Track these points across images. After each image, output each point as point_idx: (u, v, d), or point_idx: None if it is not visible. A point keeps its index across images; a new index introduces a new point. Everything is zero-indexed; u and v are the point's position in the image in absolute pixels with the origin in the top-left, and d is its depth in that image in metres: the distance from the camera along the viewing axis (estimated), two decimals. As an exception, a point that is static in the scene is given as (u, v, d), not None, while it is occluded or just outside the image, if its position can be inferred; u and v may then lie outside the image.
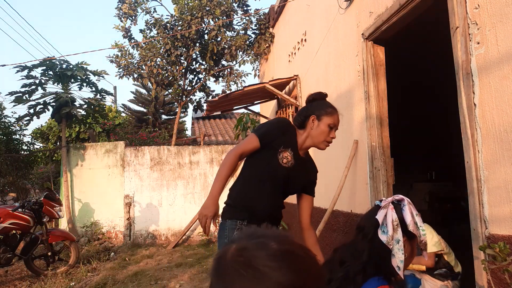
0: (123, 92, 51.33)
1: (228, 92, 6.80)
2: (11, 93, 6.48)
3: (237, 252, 0.58)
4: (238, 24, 7.96)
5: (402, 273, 1.21)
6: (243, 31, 7.82)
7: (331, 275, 1.26)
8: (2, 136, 8.08)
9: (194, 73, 8.51)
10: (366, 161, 3.32)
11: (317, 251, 1.94)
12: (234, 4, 7.76)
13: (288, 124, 1.96)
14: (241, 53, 7.94)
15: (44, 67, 6.57)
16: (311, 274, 0.58)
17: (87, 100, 7.32)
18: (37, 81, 6.62)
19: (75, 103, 7.06)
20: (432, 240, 2.71)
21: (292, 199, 2.10)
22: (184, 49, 7.70)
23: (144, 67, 7.75)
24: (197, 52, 7.93)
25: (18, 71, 6.34)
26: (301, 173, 1.96)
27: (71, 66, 6.72)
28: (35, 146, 9.89)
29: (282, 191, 1.97)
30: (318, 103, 1.96)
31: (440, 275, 2.74)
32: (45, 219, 4.81)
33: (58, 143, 9.48)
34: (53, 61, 6.64)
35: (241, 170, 2.00)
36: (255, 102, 7.27)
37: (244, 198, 1.91)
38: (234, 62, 8.29)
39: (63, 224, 7.19)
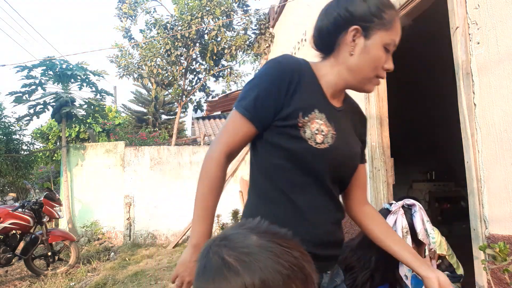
0: (123, 92, 51.33)
1: (228, 92, 6.80)
2: (11, 93, 6.48)
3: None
4: (238, 24, 7.97)
5: (409, 282, 1.18)
6: (243, 31, 7.83)
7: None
8: (2, 136, 8.08)
9: (194, 73, 8.51)
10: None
11: (399, 241, 1.09)
12: (234, 4, 7.76)
13: (294, 67, 1.01)
14: (241, 53, 7.94)
15: (44, 67, 6.57)
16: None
17: (87, 100, 7.32)
18: (37, 81, 6.62)
19: (75, 103, 7.07)
20: (436, 242, 2.70)
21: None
22: (184, 49, 7.70)
23: (144, 67, 7.76)
24: (197, 52, 7.93)
25: (18, 71, 6.34)
26: (350, 136, 1.09)
27: (71, 66, 6.72)
28: (35, 146, 9.90)
29: (334, 191, 1.07)
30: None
31: None
32: (45, 219, 4.81)
33: (58, 143, 9.48)
34: (53, 61, 6.64)
35: (250, 180, 1.11)
36: (255, 102, 7.26)
37: None
38: (234, 62, 8.30)
39: (63, 224, 7.19)
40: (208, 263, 0.56)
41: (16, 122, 8.18)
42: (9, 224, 4.48)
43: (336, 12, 0.98)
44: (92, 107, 7.32)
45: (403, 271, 1.18)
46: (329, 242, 1.02)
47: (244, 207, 1.13)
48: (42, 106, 6.85)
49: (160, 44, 7.72)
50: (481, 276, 1.96)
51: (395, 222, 1.23)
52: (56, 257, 5.02)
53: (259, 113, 0.98)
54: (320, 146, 0.97)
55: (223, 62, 8.34)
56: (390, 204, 1.27)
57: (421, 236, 1.21)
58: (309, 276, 0.56)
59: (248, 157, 7.97)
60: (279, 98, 0.97)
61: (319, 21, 1.04)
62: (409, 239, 1.20)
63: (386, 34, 0.98)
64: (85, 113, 7.47)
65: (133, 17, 7.76)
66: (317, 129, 0.97)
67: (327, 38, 1.02)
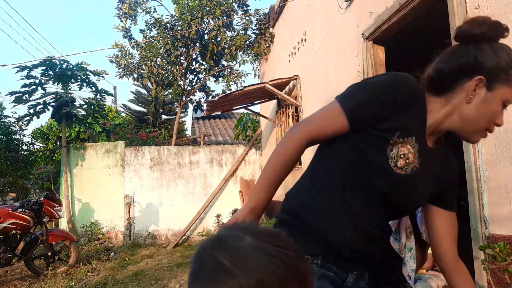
0: (123, 92, 51.37)
1: (228, 92, 6.80)
2: (11, 93, 6.49)
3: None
4: (238, 24, 7.96)
5: (412, 282, 1.17)
6: (243, 31, 7.82)
7: None
8: (2, 136, 8.09)
9: (194, 73, 8.51)
10: (366, 161, 3.31)
11: None
12: (234, 4, 7.76)
13: (414, 89, 1.01)
14: (241, 53, 7.94)
15: (44, 67, 6.58)
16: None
17: (87, 100, 7.33)
18: (37, 81, 6.63)
19: (75, 103, 7.08)
20: None
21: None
22: (184, 49, 7.70)
23: (144, 67, 7.75)
24: (197, 52, 7.94)
25: (18, 71, 6.35)
26: (426, 177, 1.05)
27: (71, 66, 6.73)
28: (35, 146, 9.91)
29: (387, 212, 1.06)
30: (495, 49, 0.94)
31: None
32: (45, 219, 4.81)
33: (58, 143, 9.49)
34: (53, 61, 6.64)
35: (311, 164, 1.12)
36: (255, 102, 7.27)
37: (315, 215, 1.03)
38: (234, 62, 8.30)
39: (63, 224, 7.19)
40: (203, 266, 0.55)
41: (16, 122, 8.19)
42: (9, 224, 4.48)
43: (465, 58, 0.96)
44: (92, 107, 7.33)
45: (406, 271, 1.18)
46: (357, 249, 1.03)
47: (292, 189, 1.13)
48: (42, 106, 6.86)
49: (160, 44, 7.72)
50: (481, 276, 1.96)
51: (399, 222, 1.22)
52: (56, 257, 5.02)
53: (361, 117, 0.98)
54: (397, 170, 0.97)
55: (223, 62, 8.34)
56: None
57: (424, 236, 1.21)
58: (305, 276, 0.56)
59: (248, 158, 7.98)
60: (386, 110, 0.97)
61: (441, 63, 1.02)
62: (413, 240, 1.20)
63: (508, 91, 0.95)
64: (85, 113, 7.48)
65: (133, 17, 7.76)
66: (404, 154, 0.97)
67: (446, 81, 1.00)
